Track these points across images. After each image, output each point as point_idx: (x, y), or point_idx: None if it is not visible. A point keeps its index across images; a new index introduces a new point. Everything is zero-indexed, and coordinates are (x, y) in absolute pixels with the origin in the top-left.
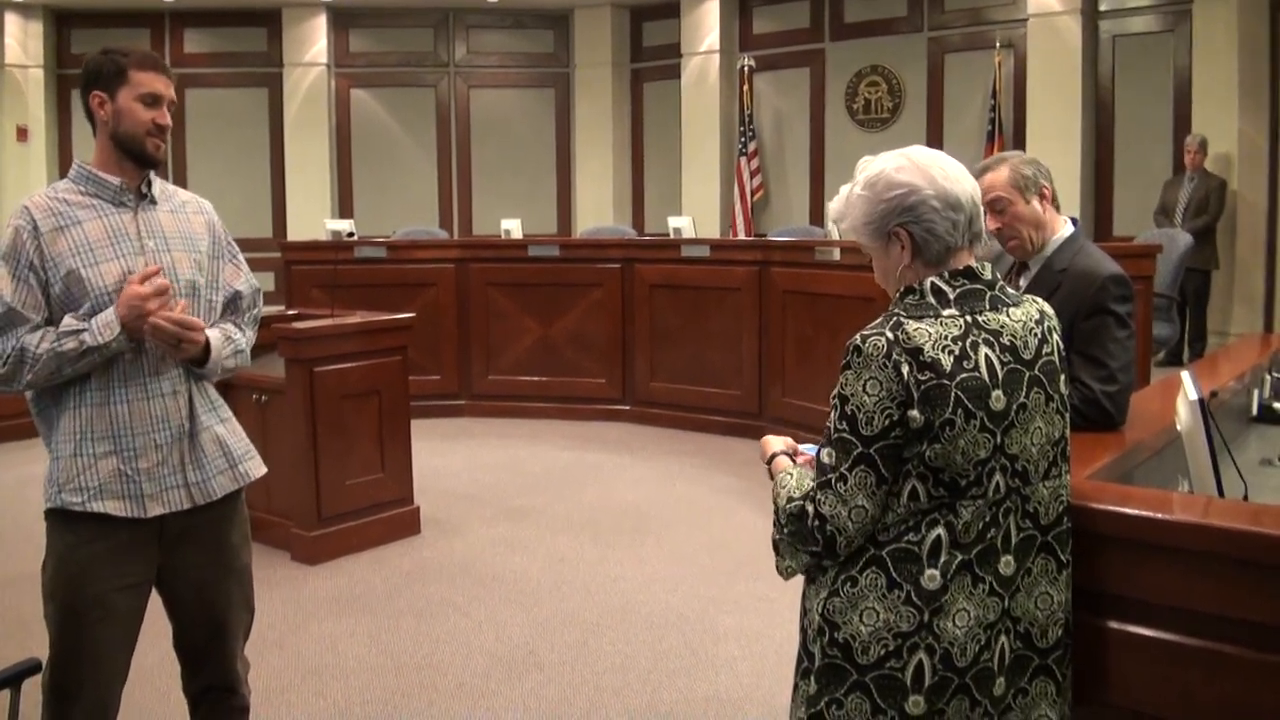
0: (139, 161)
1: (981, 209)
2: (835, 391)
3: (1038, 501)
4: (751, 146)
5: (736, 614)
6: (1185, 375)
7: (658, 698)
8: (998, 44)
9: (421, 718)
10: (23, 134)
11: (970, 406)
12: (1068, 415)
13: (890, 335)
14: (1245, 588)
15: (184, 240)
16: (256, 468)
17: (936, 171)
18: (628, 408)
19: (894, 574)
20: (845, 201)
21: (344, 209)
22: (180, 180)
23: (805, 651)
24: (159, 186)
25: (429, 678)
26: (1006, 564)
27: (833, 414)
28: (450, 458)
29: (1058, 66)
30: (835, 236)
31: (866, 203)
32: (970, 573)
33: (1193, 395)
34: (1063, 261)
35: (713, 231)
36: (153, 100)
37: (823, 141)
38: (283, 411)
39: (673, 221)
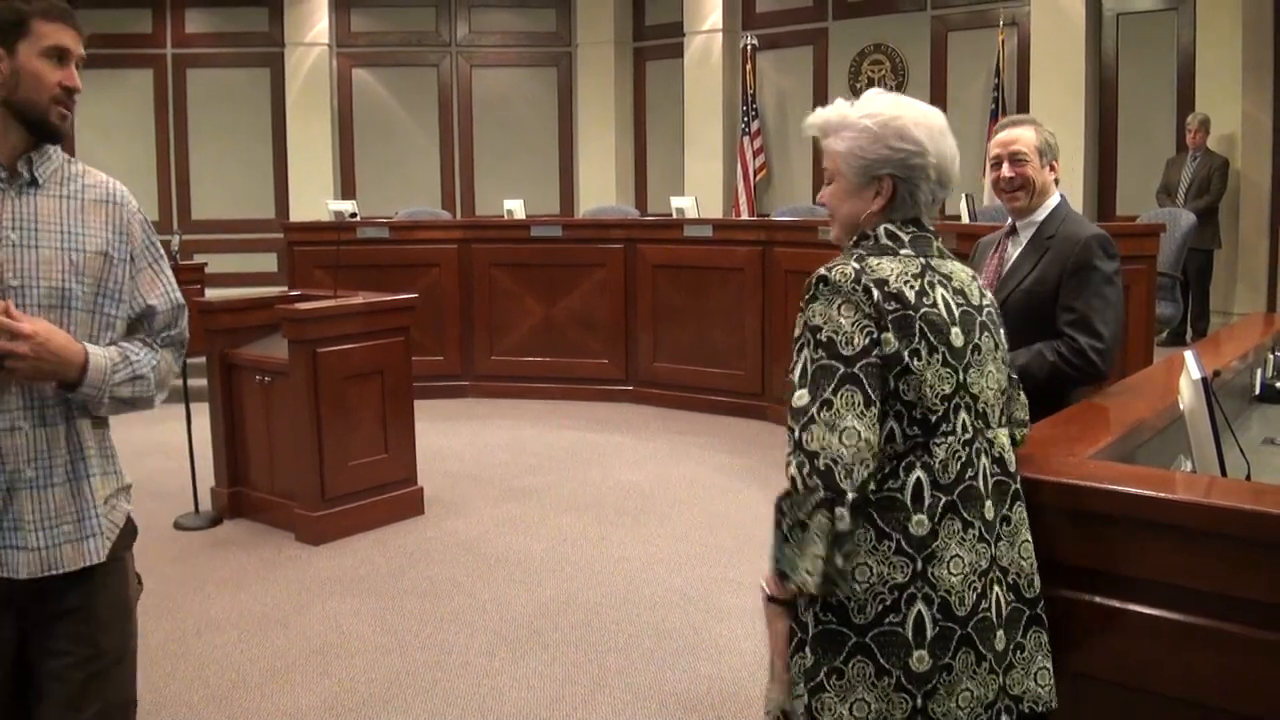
0: (38, 133)
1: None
2: (801, 329)
3: (1001, 447)
4: (754, 126)
5: (739, 593)
6: (1188, 355)
7: (661, 677)
8: (1001, 22)
9: (426, 697)
10: None
11: (933, 340)
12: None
13: (856, 265)
14: (1248, 566)
15: (64, 235)
16: (97, 548)
17: (944, 141)
18: (630, 388)
19: (881, 524)
20: (846, 121)
21: (346, 189)
22: (182, 162)
23: (795, 623)
24: (52, 166)
25: (433, 657)
26: (988, 508)
27: (804, 351)
28: (453, 438)
29: (1061, 45)
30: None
31: (871, 139)
32: (958, 516)
33: (1196, 374)
34: (1051, 229)
35: (715, 211)
36: (60, 56)
37: None
38: (286, 392)
39: (675, 201)
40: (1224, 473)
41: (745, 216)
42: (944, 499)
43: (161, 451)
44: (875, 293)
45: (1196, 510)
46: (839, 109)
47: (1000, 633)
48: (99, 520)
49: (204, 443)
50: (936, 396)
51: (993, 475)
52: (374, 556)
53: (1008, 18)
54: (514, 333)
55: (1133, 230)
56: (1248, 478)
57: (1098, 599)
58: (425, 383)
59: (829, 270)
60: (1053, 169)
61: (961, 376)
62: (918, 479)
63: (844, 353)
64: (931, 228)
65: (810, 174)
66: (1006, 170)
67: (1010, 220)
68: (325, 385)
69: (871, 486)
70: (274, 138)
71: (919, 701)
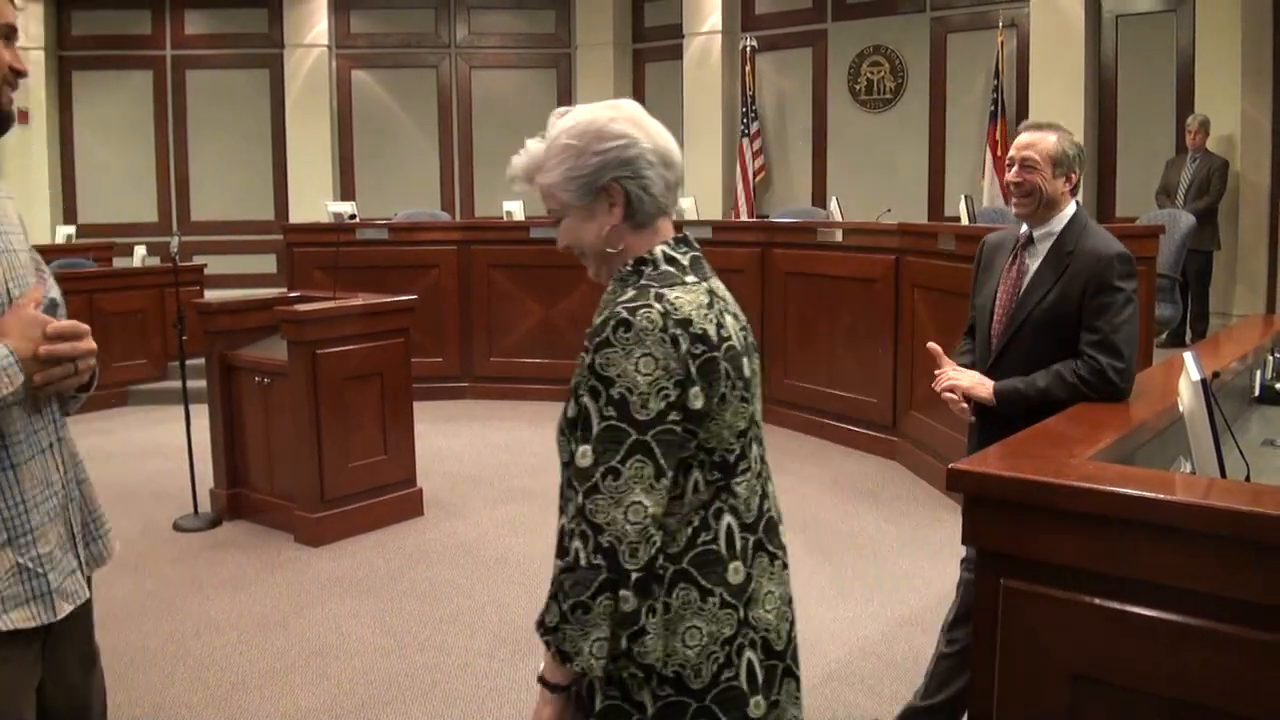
0: None
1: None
2: (584, 374)
3: (770, 470)
4: (754, 127)
5: None
6: (1188, 356)
7: None
8: (1000, 23)
9: (425, 698)
10: (23, 116)
11: (734, 377)
12: None
13: (660, 306)
14: (1246, 568)
15: (15, 237)
16: (109, 542)
17: (650, 125)
18: None
19: (703, 582)
20: (545, 153)
21: (345, 191)
22: (182, 163)
23: (628, 705)
24: None
25: (433, 658)
26: (782, 533)
27: (587, 400)
28: (453, 440)
29: (1060, 46)
30: (836, 217)
31: (576, 155)
32: (765, 551)
33: (1195, 376)
34: (1070, 242)
35: (715, 213)
36: (8, 36)
37: (825, 122)
38: (285, 394)
39: None
40: (1223, 474)
41: (745, 218)
42: (751, 538)
43: (161, 453)
44: (683, 341)
45: (1196, 512)
46: (532, 148)
47: (795, 653)
48: (103, 514)
49: (203, 444)
50: (734, 435)
51: (773, 497)
52: (373, 558)
53: (1007, 19)
54: (513, 334)
55: (1132, 232)
56: (1247, 479)
57: (1096, 600)
58: (424, 384)
59: (631, 313)
60: (1068, 179)
61: (753, 408)
62: (728, 525)
63: (637, 417)
64: (697, 243)
65: (809, 175)
66: (1013, 175)
67: (1026, 229)
68: (324, 387)
69: (681, 545)
70: (273, 139)
71: None
